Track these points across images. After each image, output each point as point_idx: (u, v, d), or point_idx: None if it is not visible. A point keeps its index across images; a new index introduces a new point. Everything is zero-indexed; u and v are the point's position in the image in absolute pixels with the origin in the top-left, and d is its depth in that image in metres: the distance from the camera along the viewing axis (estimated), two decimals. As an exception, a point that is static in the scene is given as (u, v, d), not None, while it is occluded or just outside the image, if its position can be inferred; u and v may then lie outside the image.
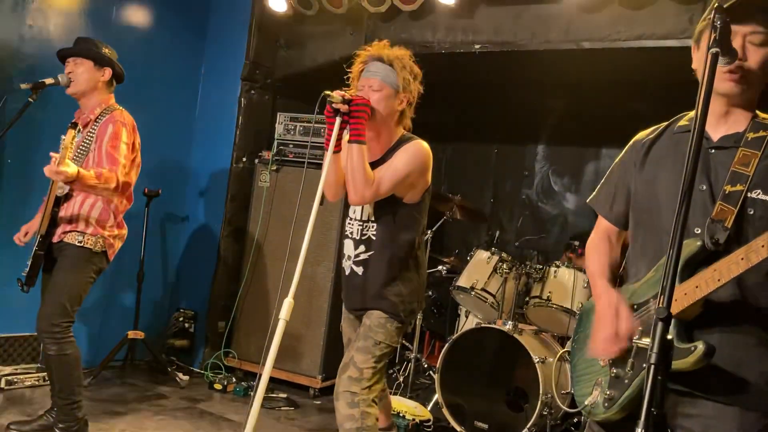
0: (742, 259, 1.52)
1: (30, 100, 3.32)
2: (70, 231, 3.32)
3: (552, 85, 5.30)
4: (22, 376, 4.16)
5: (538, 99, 5.69)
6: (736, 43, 1.63)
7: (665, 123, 1.96)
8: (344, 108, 2.63)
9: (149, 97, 4.90)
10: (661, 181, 1.82)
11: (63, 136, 3.10)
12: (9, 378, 4.09)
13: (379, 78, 2.74)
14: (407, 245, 2.83)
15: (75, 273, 3.31)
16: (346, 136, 2.74)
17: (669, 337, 1.28)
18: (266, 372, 2.34)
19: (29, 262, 3.38)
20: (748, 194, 1.65)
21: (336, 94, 2.62)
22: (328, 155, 2.66)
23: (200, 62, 5.42)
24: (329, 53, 4.95)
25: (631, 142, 2.03)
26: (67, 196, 3.37)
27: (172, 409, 4.07)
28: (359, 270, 2.86)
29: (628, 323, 1.76)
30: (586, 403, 1.89)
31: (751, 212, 1.65)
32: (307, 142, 4.89)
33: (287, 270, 4.79)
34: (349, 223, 2.93)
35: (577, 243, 4.57)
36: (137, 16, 4.91)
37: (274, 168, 4.97)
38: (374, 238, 2.82)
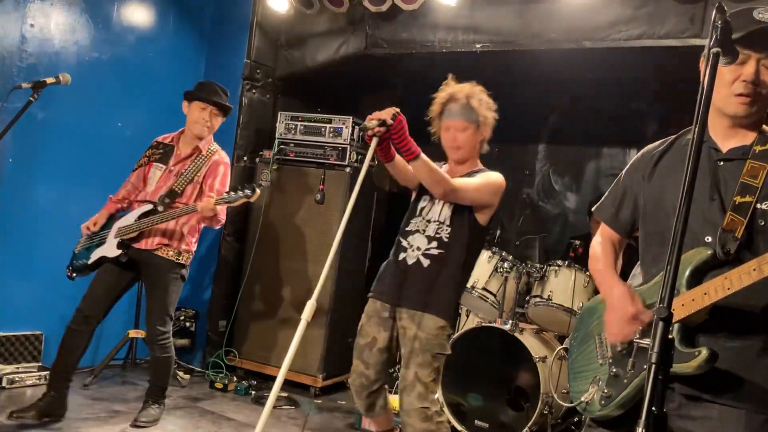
0: (755, 270, 1.54)
1: (31, 99, 3.33)
2: (165, 245, 3.72)
3: (553, 84, 5.30)
4: (23, 375, 4.16)
5: (539, 98, 5.69)
6: (751, 68, 1.68)
7: (674, 135, 1.99)
8: (383, 130, 2.71)
9: (150, 96, 4.91)
10: (670, 191, 1.84)
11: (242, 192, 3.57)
12: (10, 377, 4.09)
13: (463, 119, 2.95)
14: (465, 259, 2.99)
15: (174, 285, 3.78)
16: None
17: (670, 336, 1.28)
18: (281, 375, 2.47)
19: (93, 256, 3.70)
20: (758, 206, 1.67)
21: (370, 122, 2.71)
22: (363, 173, 2.68)
23: (201, 61, 5.41)
24: (330, 52, 4.95)
25: (639, 154, 2.05)
26: (156, 209, 3.71)
27: (173, 408, 4.08)
28: (426, 262, 2.94)
29: (642, 308, 1.78)
30: (582, 399, 1.90)
31: (762, 223, 1.68)
32: (309, 141, 4.90)
33: (289, 269, 4.82)
34: (421, 222, 3.03)
35: (578, 242, 4.56)
36: (138, 16, 4.91)
37: (275, 167, 4.97)
38: (446, 240, 2.96)
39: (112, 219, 3.83)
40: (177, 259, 3.76)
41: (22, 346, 4.31)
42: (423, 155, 2.77)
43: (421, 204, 3.07)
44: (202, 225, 3.85)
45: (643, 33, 3.76)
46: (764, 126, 1.80)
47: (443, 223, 2.97)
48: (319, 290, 2.49)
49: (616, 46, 3.89)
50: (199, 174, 3.81)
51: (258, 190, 3.63)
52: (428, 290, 2.92)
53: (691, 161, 1.36)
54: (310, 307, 2.46)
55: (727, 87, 1.72)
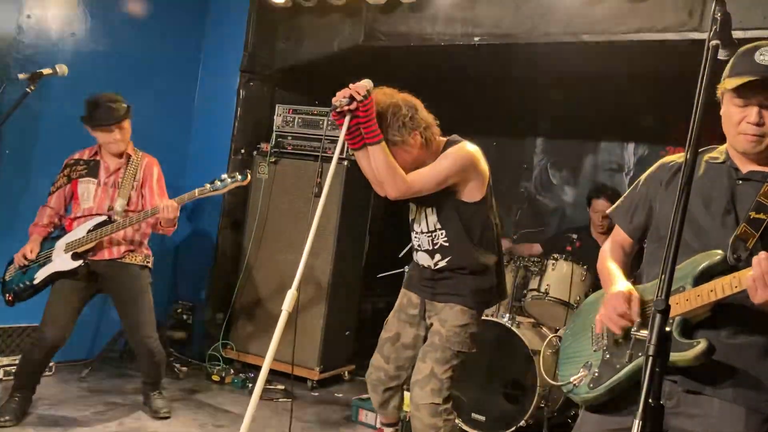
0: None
1: (28, 90, 3.32)
2: (131, 251, 3.75)
3: (551, 78, 5.29)
4: (20, 367, 4.15)
5: (537, 92, 5.68)
6: (754, 112, 1.74)
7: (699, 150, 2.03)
8: (353, 106, 2.58)
9: (147, 89, 4.89)
10: (689, 203, 1.87)
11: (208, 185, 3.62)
12: (7, 369, 4.08)
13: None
14: (481, 242, 2.89)
15: (147, 292, 3.80)
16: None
17: (667, 329, 1.29)
18: (266, 364, 2.36)
19: (40, 275, 3.62)
20: None
21: (340, 99, 2.58)
22: (336, 153, 2.54)
23: (199, 53, 5.40)
24: (328, 45, 4.93)
25: (659, 163, 2.09)
26: (111, 220, 3.68)
27: (170, 400, 4.08)
28: (442, 272, 2.92)
29: (637, 309, 1.81)
30: (571, 380, 1.92)
31: None
32: (306, 134, 4.89)
33: (286, 262, 4.82)
34: (416, 237, 2.99)
35: (575, 236, 4.57)
36: (136, 7, 4.88)
37: (273, 160, 4.96)
38: (446, 244, 2.88)
39: (45, 242, 3.74)
40: (145, 262, 3.81)
41: (19, 337, 4.30)
42: (384, 144, 2.65)
43: (411, 217, 3.03)
44: (150, 232, 3.87)
45: (641, 27, 3.75)
46: None
47: (434, 231, 2.91)
48: (299, 279, 2.36)
49: (615, 40, 3.88)
50: (136, 180, 3.82)
51: (249, 176, 3.64)
52: (452, 288, 2.90)
53: (689, 158, 1.36)
54: (290, 296, 2.34)
55: (735, 127, 1.79)
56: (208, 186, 3.62)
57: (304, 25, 5.09)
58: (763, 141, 1.77)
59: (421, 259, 2.98)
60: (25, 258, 3.65)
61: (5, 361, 4.17)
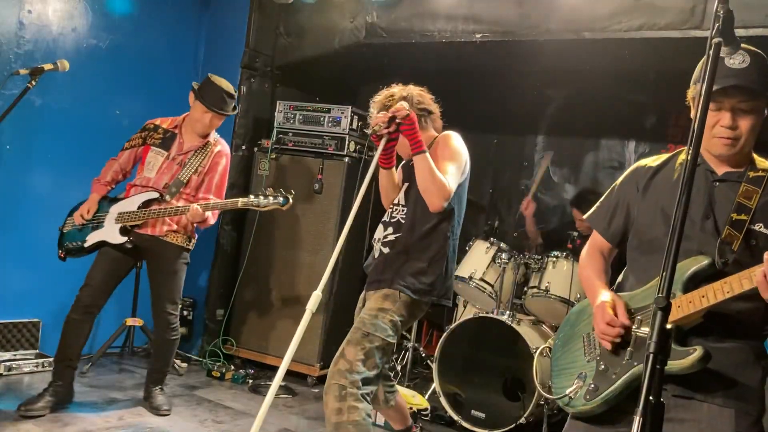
0: (755, 275, 1.58)
1: (29, 85, 3.32)
2: (174, 231, 3.75)
3: (552, 75, 5.28)
4: (20, 362, 4.16)
5: (538, 89, 5.67)
6: (726, 114, 1.78)
7: (670, 154, 2.05)
8: (392, 128, 2.72)
9: (148, 85, 4.89)
10: (666, 208, 1.89)
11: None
12: (8, 364, 4.09)
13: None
14: (436, 232, 2.85)
15: (182, 271, 3.85)
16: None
17: (668, 326, 1.29)
18: (284, 364, 2.41)
19: (90, 239, 3.70)
20: (751, 226, 1.76)
21: (378, 123, 2.73)
22: (370, 173, 2.74)
23: (200, 49, 5.39)
24: (329, 41, 4.92)
25: (634, 167, 2.10)
26: (163, 198, 3.72)
27: (170, 396, 4.08)
28: (385, 249, 2.89)
29: (624, 317, 1.84)
30: (566, 392, 1.92)
31: (754, 243, 1.76)
32: (307, 131, 4.89)
33: (286, 258, 4.82)
34: (390, 208, 3.01)
35: (575, 234, 4.57)
36: (136, 2, 4.87)
37: (274, 156, 4.96)
38: (402, 221, 2.88)
39: (103, 201, 3.80)
40: (186, 244, 3.82)
41: (19, 333, 4.31)
42: (428, 155, 2.72)
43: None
44: None
45: (643, 24, 3.74)
46: (754, 155, 1.90)
47: (397, 205, 2.93)
48: (325, 281, 2.48)
49: (616, 37, 3.87)
50: (202, 165, 3.82)
51: (291, 201, 3.72)
52: (382, 271, 2.86)
53: (688, 166, 1.36)
54: (315, 297, 2.45)
55: (709, 130, 1.81)
56: (252, 198, 3.66)
57: (305, 22, 5.08)
58: (737, 144, 1.80)
59: (378, 231, 2.97)
60: (83, 217, 3.74)
61: (5, 356, 4.18)
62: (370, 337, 2.70)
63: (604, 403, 1.81)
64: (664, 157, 2.04)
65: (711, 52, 1.40)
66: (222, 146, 3.92)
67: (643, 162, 2.07)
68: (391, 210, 2.96)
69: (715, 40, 1.42)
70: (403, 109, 2.72)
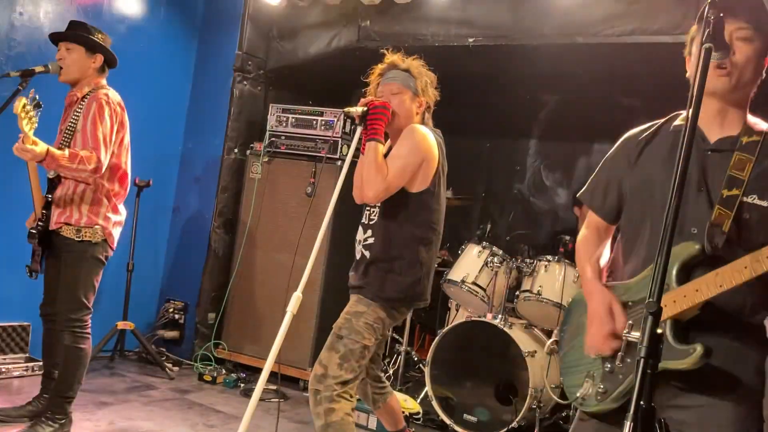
0: (746, 267, 1.55)
1: (19, 87, 3.29)
2: (65, 223, 3.24)
3: (545, 79, 5.30)
4: (9, 366, 4.13)
5: (531, 93, 5.69)
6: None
7: (660, 121, 1.97)
8: (361, 112, 2.72)
9: (141, 88, 4.86)
10: (657, 180, 1.83)
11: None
12: (-4, 368, 4.07)
13: (398, 82, 2.85)
14: (409, 235, 2.79)
15: (81, 267, 3.25)
16: None
17: (659, 331, 1.28)
18: (267, 367, 2.44)
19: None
20: (744, 198, 1.68)
21: (354, 108, 2.72)
22: (346, 163, 2.74)
23: (192, 52, 5.38)
24: (322, 45, 4.92)
25: (623, 138, 2.04)
26: (60, 180, 3.32)
27: (161, 400, 4.06)
28: (366, 253, 2.86)
29: (622, 322, 1.79)
30: (578, 395, 1.90)
31: (747, 216, 1.69)
32: (300, 134, 4.88)
33: (279, 262, 4.81)
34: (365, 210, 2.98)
35: (568, 238, 4.57)
36: (130, 6, 4.87)
37: (266, 159, 4.95)
38: (374, 223, 2.85)
39: None
40: (77, 237, 3.22)
41: (9, 337, 4.28)
42: (381, 146, 2.71)
43: None
44: (121, 192, 3.40)
45: (635, 29, 3.76)
46: (749, 115, 1.81)
47: (373, 207, 2.87)
48: (305, 282, 2.46)
49: (609, 42, 3.89)
50: (80, 123, 3.30)
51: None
52: (360, 276, 2.84)
53: (681, 162, 1.36)
54: (295, 299, 2.46)
55: None
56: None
57: (298, 25, 5.08)
58: (732, 77, 1.71)
59: (358, 233, 2.94)
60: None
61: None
62: (344, 341, 2.69)
63: (615, 402, 1.80)
64: (657, 123, 1.96)
65: (702, 57, 1.40)
66: (99, 93, 3.39)
67: (633, 132, 2.01)
68: (368, 212, 2.90)
69: (706, 45, 1.42)
70: (382, 101, 2.76)
